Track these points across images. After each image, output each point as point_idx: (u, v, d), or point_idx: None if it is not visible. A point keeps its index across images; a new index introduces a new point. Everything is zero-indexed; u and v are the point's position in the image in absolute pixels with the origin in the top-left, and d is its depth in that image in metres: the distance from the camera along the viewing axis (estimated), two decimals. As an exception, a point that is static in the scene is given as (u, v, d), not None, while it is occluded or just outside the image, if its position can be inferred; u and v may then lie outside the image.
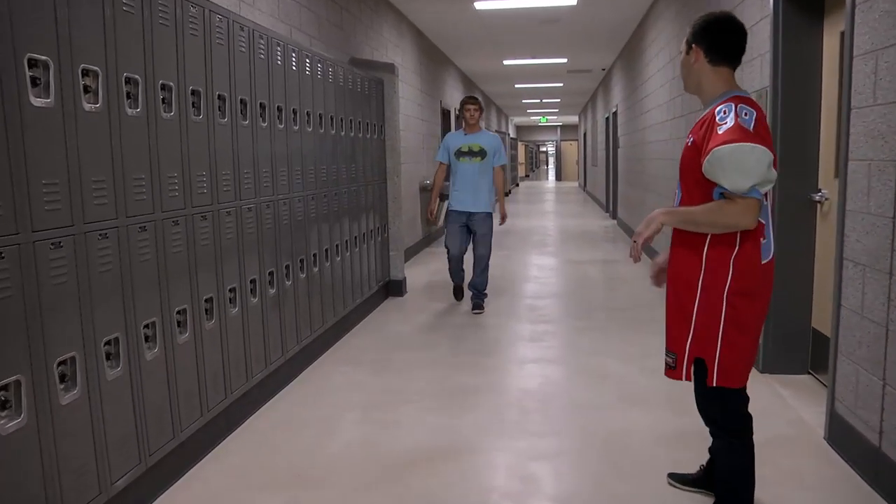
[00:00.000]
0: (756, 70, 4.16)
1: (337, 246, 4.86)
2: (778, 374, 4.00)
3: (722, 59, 2.21)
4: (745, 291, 2.13)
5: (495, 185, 5.90)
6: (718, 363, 2.15)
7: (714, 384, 2.18)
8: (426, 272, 7.86)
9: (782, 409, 3.52)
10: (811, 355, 3.96)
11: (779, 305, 3.97)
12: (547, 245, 10.16)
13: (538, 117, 30.46)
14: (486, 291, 5.96)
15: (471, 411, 3.59)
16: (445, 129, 12.36)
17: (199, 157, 3.02)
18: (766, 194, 2.10)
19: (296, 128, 4.12)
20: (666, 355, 2.29)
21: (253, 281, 3.53)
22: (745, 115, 2.05)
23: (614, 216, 13.57)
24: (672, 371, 2.26)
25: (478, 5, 8.08)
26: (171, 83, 2.78)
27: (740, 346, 2.16)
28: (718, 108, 2.10)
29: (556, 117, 31.00)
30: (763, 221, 2.13)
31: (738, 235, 2.12)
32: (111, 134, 2.43)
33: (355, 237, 5.30)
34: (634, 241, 2.22)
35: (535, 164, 43.84)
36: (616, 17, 9.11)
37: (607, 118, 14.84)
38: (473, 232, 5.81)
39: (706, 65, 2.22)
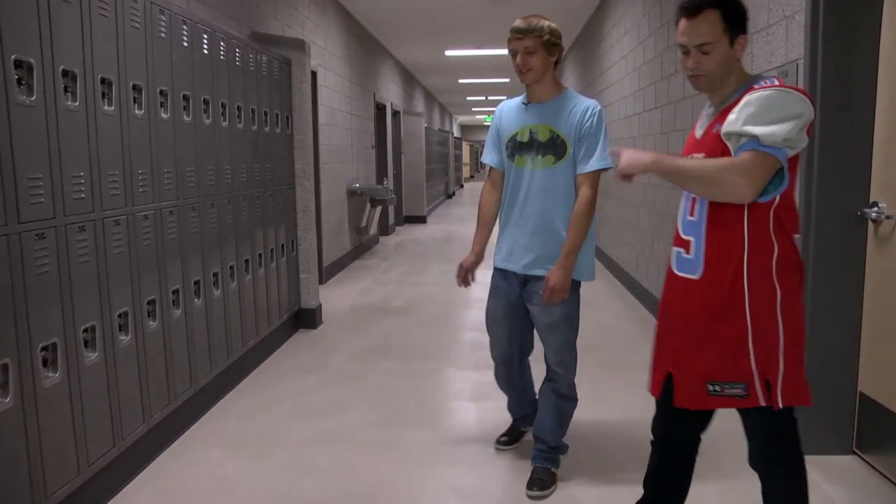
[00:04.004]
0: (779, 38, 3.07)
1: (216, 274, 3.59)
2: (813, 454, 2.92)
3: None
4: (790, 293, 1.86)
5: (574, 213, 2.59)
6: (783, 380, 1.85)
7: (781, 405, 1.86)
8: (352, 293, 6.62)
9: (839, 523, 2.44)
10: (857, 429, 2.91)
11: (813, 364, 2.89)
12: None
13: (484, 116, 29.52)
14: (564, 441, 2.82)
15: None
16: (380, 126, 11.03)
17: None
18: None
19: (145, 114, 2.85)
20: (728, 388, 1.88)
21: (46, 349, 2.26)
22: None
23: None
24: (745, 400, 1.88)
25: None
26: None
27: (800, 358, 1.90)
28: (759, 85, 1.83)
29: (501, 116, 30.05)
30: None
31: (774, 237, 1.83)
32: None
33: (246, 260, 4.03)
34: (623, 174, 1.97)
35: (480, 164, 42.90)
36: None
37: (557, 116, 13.78)
38: (534, 315, 2.73)
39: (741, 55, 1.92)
